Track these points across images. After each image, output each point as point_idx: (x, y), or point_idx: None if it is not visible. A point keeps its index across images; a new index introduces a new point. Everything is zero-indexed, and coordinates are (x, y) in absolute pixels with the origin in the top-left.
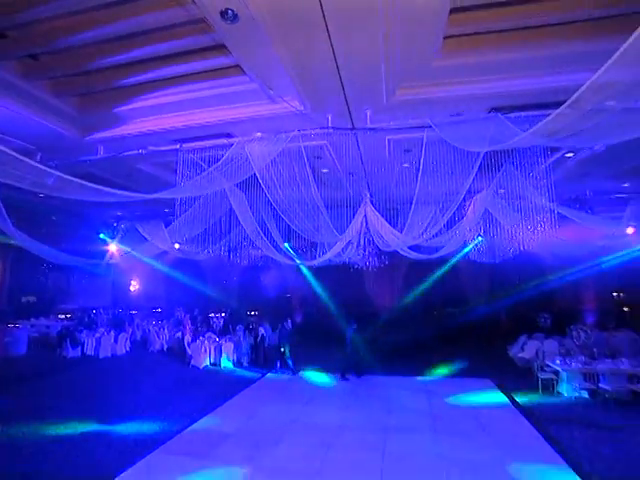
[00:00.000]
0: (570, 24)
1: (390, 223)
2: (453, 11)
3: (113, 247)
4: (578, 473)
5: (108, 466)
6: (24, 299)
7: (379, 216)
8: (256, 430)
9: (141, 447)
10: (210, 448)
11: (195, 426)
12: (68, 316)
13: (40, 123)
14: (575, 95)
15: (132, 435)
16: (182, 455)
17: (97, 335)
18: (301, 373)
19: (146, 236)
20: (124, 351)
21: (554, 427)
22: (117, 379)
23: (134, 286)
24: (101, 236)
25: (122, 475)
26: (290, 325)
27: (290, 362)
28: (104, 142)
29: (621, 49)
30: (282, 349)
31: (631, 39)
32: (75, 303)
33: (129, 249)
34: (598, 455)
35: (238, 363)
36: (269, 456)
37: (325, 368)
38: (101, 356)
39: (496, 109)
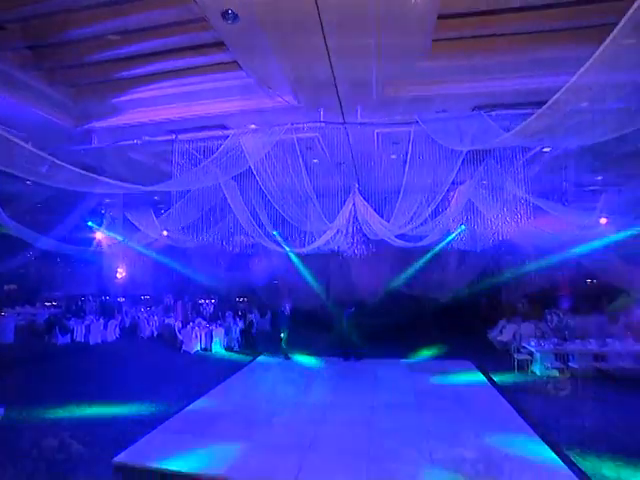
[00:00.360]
0: (548, 32)
1: (378, 212)
2: (441, 17)
3: (100, 235)
4: (545, 441)
5: (109, 445)
6: (6, 287)
7: (367, 206)
8: (250, 409)
9: (140, 427)
10: (207, 426)
11: (191, 407)
12: (54, 304)
13: (34, 112)
14: (555, 96)
15: (130, 416)
16: (180, 433)
17: (86, 322)
18: (292, 356)
19: (136, 224)
20: (114, 338)
21: (526, 402)
22: (111, 364)
23: (121, 273)
24: (89, 224)
25: (123, 453)
26: (288, 311)
27: (285, 346)
28: (99, 132)
29: (595, 55)
30: (282, 334)
31: (602, 47)
32: (61, 291)
33: (121, 238)
34: (563, 425)
35: (229, 348)
36: (263, 432)
37: (314, 351)
38: (91, 343)
39: (479, 107)
